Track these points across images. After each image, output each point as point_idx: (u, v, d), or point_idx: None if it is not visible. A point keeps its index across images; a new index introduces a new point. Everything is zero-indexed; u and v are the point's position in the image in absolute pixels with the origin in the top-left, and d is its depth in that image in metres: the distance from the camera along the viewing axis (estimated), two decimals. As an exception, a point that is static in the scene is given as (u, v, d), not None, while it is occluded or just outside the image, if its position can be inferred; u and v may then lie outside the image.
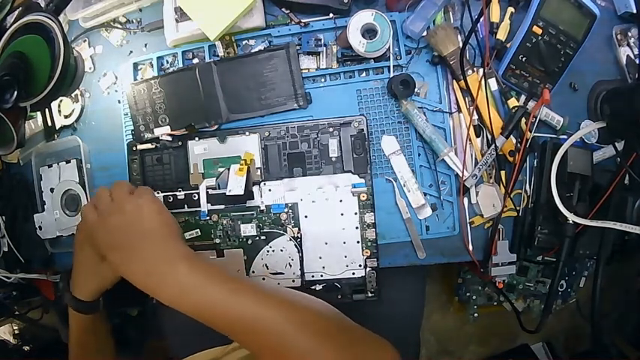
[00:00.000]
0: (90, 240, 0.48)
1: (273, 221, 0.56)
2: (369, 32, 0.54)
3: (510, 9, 0.55)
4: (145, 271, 0.42)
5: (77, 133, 0.65)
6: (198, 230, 0.57)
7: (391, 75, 0.56)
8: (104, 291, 0.51)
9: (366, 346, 0.41)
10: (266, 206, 0.56)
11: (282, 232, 0.56)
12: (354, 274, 0.56)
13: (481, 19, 0.52)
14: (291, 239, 0.56)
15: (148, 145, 0.60)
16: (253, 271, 0.58)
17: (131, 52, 0.63)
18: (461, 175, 0.54)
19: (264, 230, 0.56)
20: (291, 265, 0.57)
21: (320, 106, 0.58)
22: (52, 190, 0.65)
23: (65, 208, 0.64)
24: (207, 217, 0.57)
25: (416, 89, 0.55)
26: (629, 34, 0.56)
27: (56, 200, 0.64)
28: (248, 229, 0.56)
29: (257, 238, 0.57)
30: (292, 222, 0.56)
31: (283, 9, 0.58)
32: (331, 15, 0.56)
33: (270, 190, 0.56)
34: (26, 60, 0.50)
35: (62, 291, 0.53)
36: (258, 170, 0.57)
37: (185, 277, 0.40)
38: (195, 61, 0.60)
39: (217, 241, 0.57)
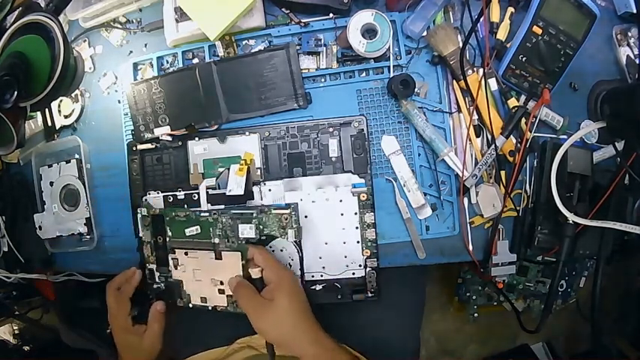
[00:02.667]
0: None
1: (273, 221, 0.56)
2: (369, 32, 0.54)
3: (510, 9, 0.55)
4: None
5: (77, 133, 0.65)
6: (198, 227, 0.57)
7: (391, 75, 0.56)
8: None
9: None
10: (266, 206, 0.56)
11: (282, 232, 0.55)
12: (354, 274, 0.56)
13: (481, 19, 0.52)
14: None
15: (148, 145, 0.60)
16: (253, 271, 0.58)
17: (131, 52, 0.63)
18: (461, 175, 0.54)
19: (265, 232, 0.56)
20: (291, 265, 0.57)
21: (320, 106, 0.58)
22: (51, 183, 0.65)
23: (64, 203, 0.64)
24: (208, 215, 0.56)
25: (416, 89, 0.55)
26: (629, 34, 0.56)
27: (55, 195, 0.64)
28: (247, 230, 0.55)
29: (256, 239, 0.56)
30: (292, 222, 0.56)
31: (283, 9, 0.57)
32: (331, 15, 0.56)
33: (270, 190, 0.56)
34: (26, 60, 0.50)
35: None
36: (258, 170, 0.57)
37: None
38: (195, 61, 0.60)
39: (216, 240, 0.57)
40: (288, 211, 0.54)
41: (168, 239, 0.58)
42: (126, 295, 0.58)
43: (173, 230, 0.58)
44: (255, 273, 0.51)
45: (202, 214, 0.56)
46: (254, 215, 0.55)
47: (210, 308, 0.58)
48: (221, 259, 0.56)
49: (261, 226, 0.55)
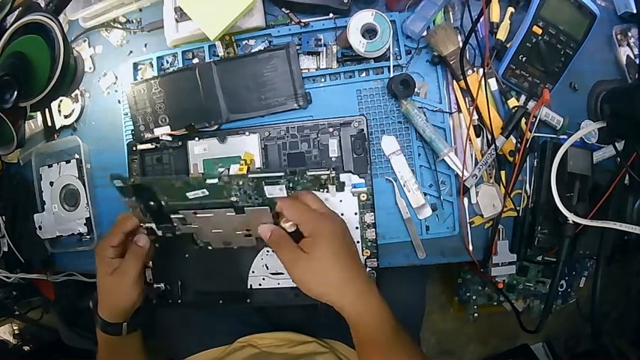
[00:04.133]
0: None
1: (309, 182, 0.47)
2: (369, 32, 0.54)
3: (510, 9, 0.55)
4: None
5: (77, 133, 0.65)
6: (205, 190, 0.45)
7: (391, 75, 0.56)
8: (128, 314, 0.53)
9: None
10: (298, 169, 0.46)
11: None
12: (354, 274, 0.56)
13: (481, 19, 0.52)
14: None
15: (148, 145, 0.59)
16: (253, 271, 0.58)
17: (131, 52, 0.63)
18: (461, 175, 0.54)
19: (298, 190, 0.47)
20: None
21: (320, 106, 0.58)
22: (51, 183, 0.65)
23: (64, 203, 0.64)
24: (217, 181, 0.46)
25: (416, 89, 0.55)
26: (629, 34, 0.56)
27: (55, 195, 0.64)
28: (276, 191, 0.46)
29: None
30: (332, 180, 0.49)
31: (283, 9, 0.58)
32: (331, 15, 0.56)
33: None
34: (26, 60, 0.50)
35: (93, 312, 0.55)
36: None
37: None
38: (195, 61, 0.60)
39: (234, 199, 0.46)
40: (327, 172, 0.45)
41: (164, 204, 0.48)
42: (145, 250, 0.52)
43: (169, 196, 0.47)
44: (288, 227, 0.46)
45: (208, 181, 0.45)
46: (282, 180, 0.45)
47: (235, 247, 0.53)
48: (243, 213, 0.48)
49: (292, 185, 0.46)
